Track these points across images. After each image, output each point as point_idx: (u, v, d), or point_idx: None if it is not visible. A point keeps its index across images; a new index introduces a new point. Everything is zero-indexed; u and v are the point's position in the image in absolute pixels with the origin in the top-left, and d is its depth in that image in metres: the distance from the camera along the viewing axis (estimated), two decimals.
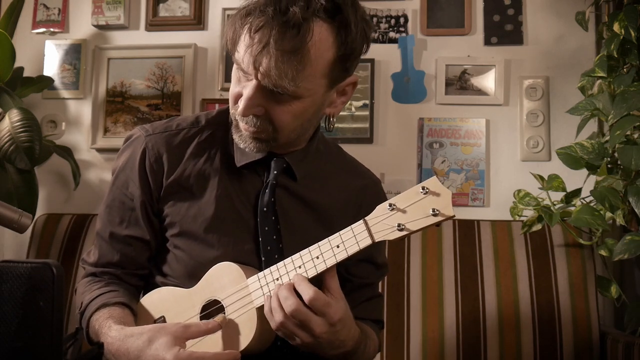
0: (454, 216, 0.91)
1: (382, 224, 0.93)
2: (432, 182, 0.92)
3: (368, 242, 0.94)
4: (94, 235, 1.21)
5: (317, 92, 1.00)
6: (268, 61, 0.93)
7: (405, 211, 0.92)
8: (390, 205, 0.93)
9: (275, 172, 1.10)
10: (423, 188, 0.91)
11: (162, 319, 1.07)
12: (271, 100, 0.99)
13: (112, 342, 0.97)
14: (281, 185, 1.11)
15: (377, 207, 0.95)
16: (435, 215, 0.90)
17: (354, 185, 1.21)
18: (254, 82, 0.97)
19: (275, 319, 0.94)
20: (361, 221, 0.95)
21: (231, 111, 1.06)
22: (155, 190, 1.11)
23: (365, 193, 1.22)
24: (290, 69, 0.94)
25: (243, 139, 1.05)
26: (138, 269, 1.15)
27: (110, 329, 0.99)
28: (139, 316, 1.09)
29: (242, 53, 0.96)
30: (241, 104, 0.99)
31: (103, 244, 1.15)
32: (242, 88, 1.00)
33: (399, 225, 0.92)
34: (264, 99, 0.99)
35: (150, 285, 1.15)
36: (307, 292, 0.92)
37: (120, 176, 1.14)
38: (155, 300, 1.10)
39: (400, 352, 1.76)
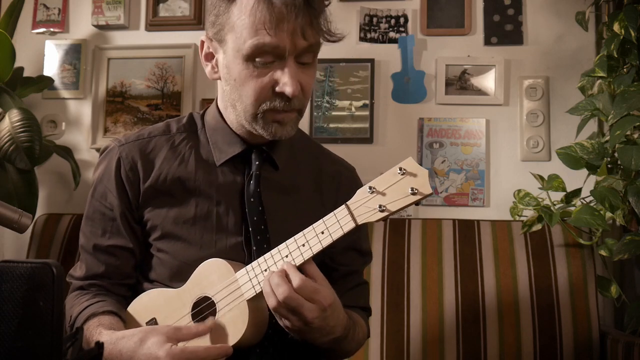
0: (432, 194, 0.94)
1: (364, 207, 0.96)
2: (408, 163, 0.95)
3: (352, 225, 0.97)
4: None
5: None
6: (313, 28, 0.99)
7: (385, 193, 0.95)
8: (370, 188, 0.96)
9: (257, 162, 1.13)
10: (400, 169, 0.95)
11: (154, 321, 1.07)
12: (300, 72, 1.04)
13: (105, 347, 0.97)
14: (264, 178, 1.13)
15: (358, 191, 0.97)
16: (414, 194, 0.93)
17: (328, 171, 1.24)
18: (289, 61, 1.01)
19: (270, 304, 0.96)
20: (343, 206, 0.97)
21: (258, 110, 1.05)
22: (133, 198, 1.12)
23: (340, 181, 1.25)
24: (324, 25, 1.01)
25: (280, 129, 1.07)
26: (124, 279, 1.16)
27: (101, 334, 1.00)
28: (130, 319, 1.09)
29: (281, 29, 0.98)
30: (289, 86, 1.01)
31: (88, 257, 1.16)
32: (271, 77, 1.02)
33: (380, 206, 0.94)
34: (297, 72, 1.03)
35: (138, 294, 1.15)
36: (295, 279, 0.94)
37: (98, 188, 1.15)
38: (145, 302, 1.10)
39: (401, 351, 1.76)
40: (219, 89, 1.16)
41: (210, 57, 1.11)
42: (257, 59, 1.01)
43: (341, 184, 1.24)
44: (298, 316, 0.95)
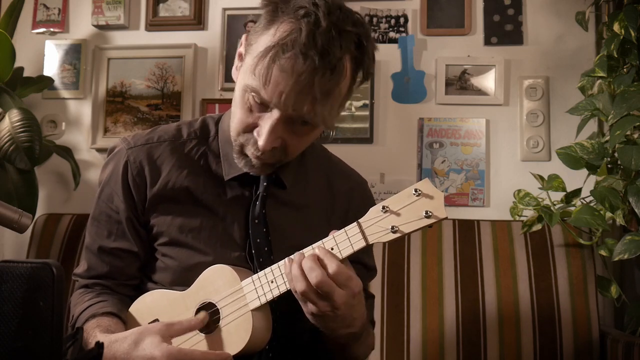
0: (447, 217, 0.92)
1: (376, 226, 0.94)
2: (424, 184, 0.93)
3: (362, 244, 0.95)
4: None
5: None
6: (307, 103, 0.95)
7: (399, 213, 0.93)
8: (383, 207, 0.94)
9: (265, 183, 1.10)
10: (416, 190, 0.92)
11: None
12: (289, 131, 1.00)
13: None
14: (271, 195, 1.12)
15: (371, 209, 0.95)
16: (428, 217, 0.91)
17: (341, 188, 1.22)
18: (276, 115, 0.97)
19: (298, 288, 0.94)
20: (355, 223, 0.95)
21: (237, 138, 1.04)
22: (139, 203, 1.11)
23: (352, 196, 1.23)
24: (325, 108, 0.96)
25: (249, 165, 1.05)
26: (129, 280, 1.15)
27: (95, 338, 0.98)
28: (132, 320, 1.09)
29: (273, 89, 0.94)
30: (262, 139, 0.98)
31: (92, 257, 1.15)
32: (256, 119, 1.00)
33: (392, 227, 0.92)
34: (283, 130, 0.99)
35: (142, 294, 1.14)
36: (332, 265, 0.92)
37: (105, 190, 1.14)
38: (149, 303, 1.09)
39: (400, 352, 1.76)
40: None
41: (241, 57, 1.06)
42: (251, 95, 0.98)
43: (353, 199, 1.22)
44: (327, 301, 0.93)
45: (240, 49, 1.06)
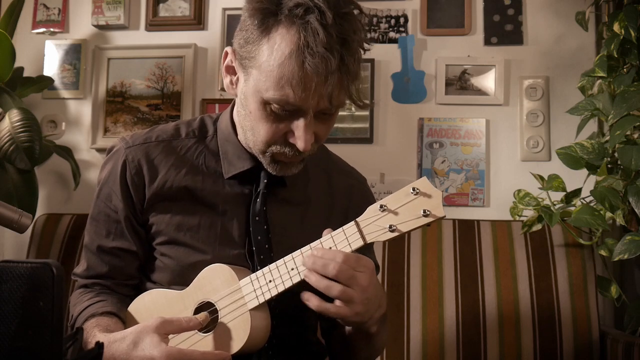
0: (445, 216, 0.92)
1: (374, 225, 0.94)
2: (422, 183, 0.93)
3: (360, 243, 0.95)
4: None
5: None
6: (341, 94, 0.96)
7: (397, 212, 0.93)
8: (381, 206, 0.94)
9: (265, 181, 1.10)
10: (413, 189, 0.92)
11: None
12: (319, 123, 1.01)
13: None
14: (272, 193, 1.12)
15: (368, 208, 0.95)
16: (426, 216, 0.91)
17: (340, 185, 1.23)
18: (309, 115, 0.97)
19: (333, 292, 0.93)
20: (352, 222, 0.96)
21: (266, 149, 1.03)
22: (138, 202, 1.11)
23: (352, 193, 1.23)
24: (355, 90, 0.98)
25: (284, 168, 1.06)
26: (128, 279, 1.15)
27: (95, 337, 0.99)
28: (131, 319, 1.09)
29: (307, 93, 0.94)
30: (302, 142, 0.98)
31: (91, 257, 1.15)
32: (287, 126, 0.99)
33: (390, 226, 0.93)
34: (316, 124, 1.00)
35: (141, 293, 1.14)
36: (338, 255, 0.93)
37: (103, 189, 1.14)
38: (147, 302, 1.10)
39: (400, 352, 1.76)
40: (236, 101, 1.10)
41: (231, 70, 1.06)
42: (275, 106, 0.97)
43: (352, 197, 1.22)
44: (354, 287, 0.93)
45: (229, 63, 1.05)
